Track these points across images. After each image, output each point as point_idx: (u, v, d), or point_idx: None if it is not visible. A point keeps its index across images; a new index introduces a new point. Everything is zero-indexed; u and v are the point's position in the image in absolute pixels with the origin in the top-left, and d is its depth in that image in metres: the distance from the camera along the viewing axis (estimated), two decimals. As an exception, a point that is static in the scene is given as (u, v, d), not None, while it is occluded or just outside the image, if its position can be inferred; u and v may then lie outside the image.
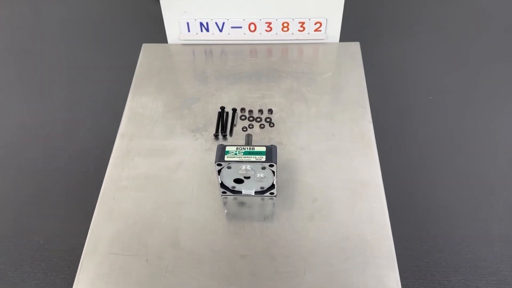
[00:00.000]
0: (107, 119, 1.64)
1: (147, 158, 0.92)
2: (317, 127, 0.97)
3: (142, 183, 0.88)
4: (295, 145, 0.93)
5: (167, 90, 1.06)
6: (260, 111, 1.00)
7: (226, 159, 0.78)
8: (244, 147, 0.79)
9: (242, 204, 0.85)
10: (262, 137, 0.95)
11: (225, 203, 0.85)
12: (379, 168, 0.89)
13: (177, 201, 0.85)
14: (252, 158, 0.78)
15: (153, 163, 0.91)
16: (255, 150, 0.79)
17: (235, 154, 0.78)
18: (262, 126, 0.97)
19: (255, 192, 0.85)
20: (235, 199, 0.85)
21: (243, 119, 0.99)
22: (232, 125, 0.97)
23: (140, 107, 1.02)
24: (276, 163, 0.77)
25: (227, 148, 0.79)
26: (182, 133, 0.96)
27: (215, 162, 0.78)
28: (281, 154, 0.91)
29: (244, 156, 0.78)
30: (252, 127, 0.97)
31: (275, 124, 0.97)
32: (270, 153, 0.78)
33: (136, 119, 1.00)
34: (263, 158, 0.77)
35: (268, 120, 0.98)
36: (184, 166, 0.90)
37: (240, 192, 0.85)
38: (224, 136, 0.95)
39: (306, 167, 0.89)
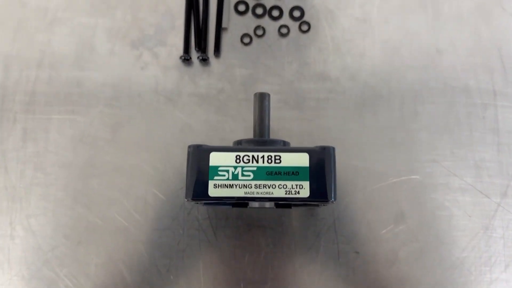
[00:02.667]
0: None
1: (41, 117, 0.43)
2: (415, 28, 0.45)
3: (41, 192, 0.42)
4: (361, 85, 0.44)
5: None
6: (279, -10, 0.46)
7: (212, 193, 0.31)
8: (255, 155, 0.31)
9: (252, 223, 0.41)
10: (282, 61, 0.44)
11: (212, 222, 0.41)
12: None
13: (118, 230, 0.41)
14: (279, 188, 0.31)
15: (57, 131, 0.43)
16: (283, 165, 0.31)
17: (235, 177, 0.31)
18: (284, 30, 0.45)
19: (279, 204, 0.40)
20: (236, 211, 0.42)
21: (242, 12, 0.46)
22: (220, 28, 0.45)
23: (15, -20, 0.47)
24: (335, 199, 0.31)
25: (214, 159, 0.31)
26: (111, 51, 0.45)
27: (186, 198, 0.31)
28: (328, 129, 0.43)
29: (259, 182, 0.31)
30: (263, 34, 0.45)
31: (311, 26, 0.45)
32: (321, 176, 0.31)
33: (11, 14, 0.46)
34: (305, 187, 0.31)
35: (297, 14, 0.45)
36: (123, 137, 0.43)
37: (243, 205, 0.41)
38: (203, 60, 0.44)
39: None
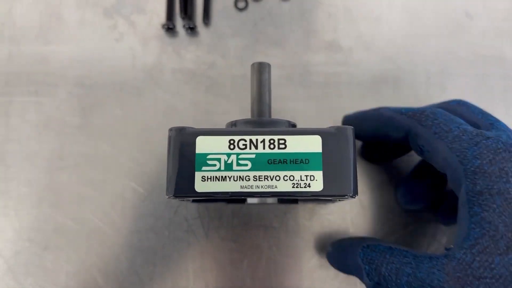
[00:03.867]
0: None
1: (0, 100, 0.37)
2: (427, -8, 0.38)
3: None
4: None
5: None
6: None
7: (200, 187, 0.24)
8: (253, 138, 0.25)
9: (251, 222, 0.35)
10: (284, 29, 0.37)
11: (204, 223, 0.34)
12: None
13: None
14: (285, 181, 0.24)
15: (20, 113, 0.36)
16: (289, 151, 0.25)
17: (228, 167, 0.24)
18: (285, -7, 0.38)
19: (283, 199, 0.34)
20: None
21: (235, -27, 0.39)
22: (209, -8, 0.38)
23: None
24: (356, 194, 0.25)
25: (201, 145, 0.24)
26: (80, 20, 0.38)
27: (167, 195, 0.25)
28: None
29: (259, 174, 0.24)
30: (261, -3, 0.38)
31: (318, -13, 0.38)
32: (338, 164, 0.24)
33: (-41, -21, 0.39)
34: (318, 179, 0.24)
35: (300, -26, 0.38)
36: (95, 122, 0.36)
37: (240, 201, 0.34)
38: (191, 29, 0.37)
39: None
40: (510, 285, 0.19)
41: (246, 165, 0.24)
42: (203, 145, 0.24)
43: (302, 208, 0.34)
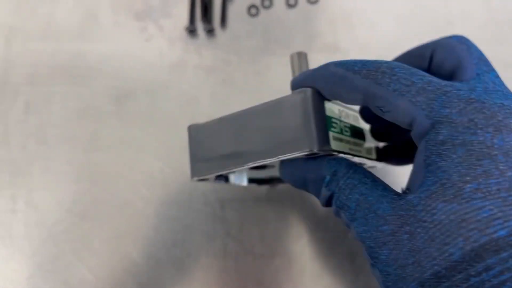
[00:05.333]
0: None
1: (44, 89, 0.42)
2: (414, 3, 0.44)
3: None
4: (366, 51, 0.43)
5: None
6: (287, -39, 0.44)
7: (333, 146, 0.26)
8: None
9: (260, 197, 0.40)
10: (290, 33, 0.43)
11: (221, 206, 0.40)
12: None
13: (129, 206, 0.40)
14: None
15: (62, 104, 0.42)
16: (353, 124, 0.29)
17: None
18: (291, 1, 0.43)
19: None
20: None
21: (248, -16, 0.45)
22: (226, 0, 0.43)
23: (16, -49, 0.46)
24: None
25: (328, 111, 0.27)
26: (115, 23, 0.44)
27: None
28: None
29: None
30: (270, 5, 0.44)
31: (320, -3, 0.44)
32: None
33: (11, -14, 0.45)
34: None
35: (304, -15, 0.44)
36: (127, 110, 0.42)
37: (258, 182, 0.39)
38: (210, 32, 0.43)
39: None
40: (446, 233, 0.19)
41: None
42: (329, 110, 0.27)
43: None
